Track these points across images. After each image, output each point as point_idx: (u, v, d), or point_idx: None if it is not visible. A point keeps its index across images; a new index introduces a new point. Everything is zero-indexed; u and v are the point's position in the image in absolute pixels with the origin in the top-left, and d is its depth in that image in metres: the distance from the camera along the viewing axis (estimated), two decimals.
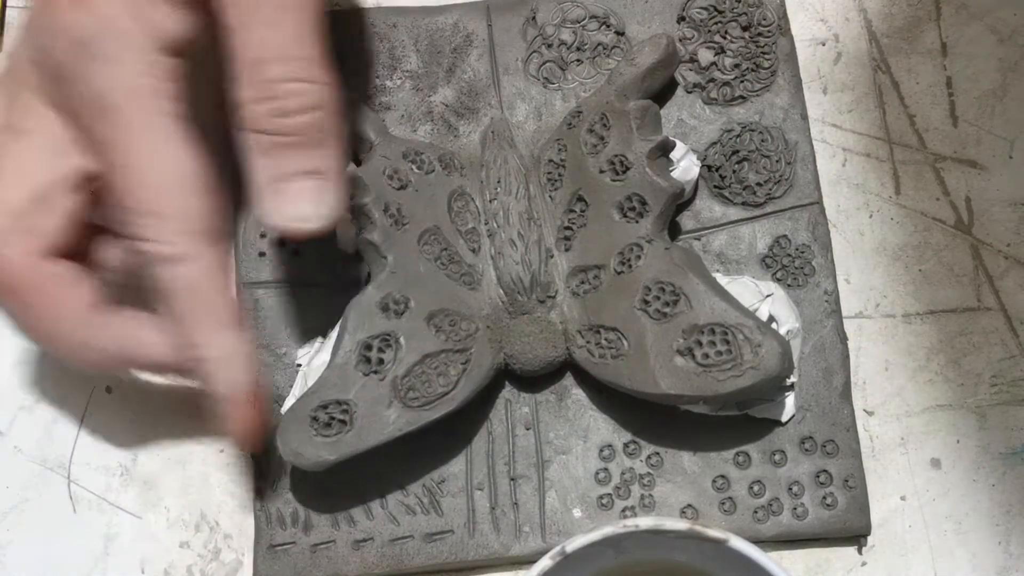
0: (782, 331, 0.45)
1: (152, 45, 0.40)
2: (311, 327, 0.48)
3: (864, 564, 0.46)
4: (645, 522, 0.37)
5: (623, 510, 0.46)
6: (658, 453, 0.46)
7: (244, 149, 0.40)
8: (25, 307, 0.41)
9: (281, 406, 0.46)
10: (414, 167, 0.47)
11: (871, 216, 0.49)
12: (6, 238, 0.40)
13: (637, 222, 0.45)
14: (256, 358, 0.43)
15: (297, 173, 0.40)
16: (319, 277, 0.48)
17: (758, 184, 0.48)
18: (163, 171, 0.40)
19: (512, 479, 0.46)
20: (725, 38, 0.50)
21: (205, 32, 0.40)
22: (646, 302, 0.44)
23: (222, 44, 0.39)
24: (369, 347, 0.44)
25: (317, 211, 0.40)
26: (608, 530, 0.37)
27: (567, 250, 0.46)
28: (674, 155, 0.47)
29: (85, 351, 0.42)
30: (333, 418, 0.43)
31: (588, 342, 0.45)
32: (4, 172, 0.41)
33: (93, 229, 0.43)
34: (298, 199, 0.40)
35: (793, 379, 0.45)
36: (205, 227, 0.40)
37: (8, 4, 0.53)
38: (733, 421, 0.46)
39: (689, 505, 0.46)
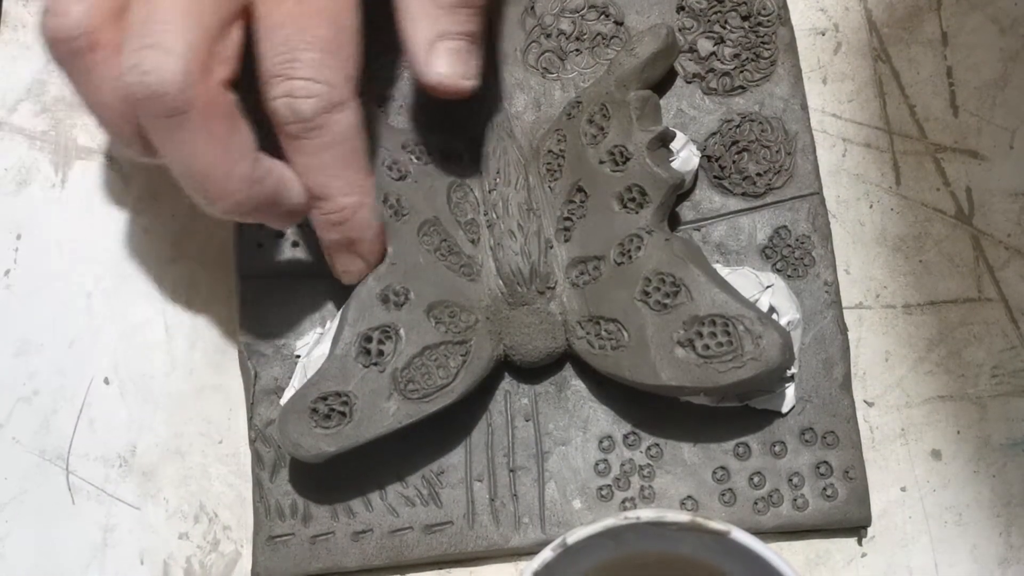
0: (782, 322, 0.45)
1: None
2: (310, 318, 0.48)
3: (864, 555, 0.46)
4: (647, 514, 0.37)
5: (623, 501, 0.46)
6: (658, 444, 0.46)
7: (406, 7, 0.42)
8: (214, 138, 0.40)
9: (280, 397, 0.46)
10: (413, 157, 0.46)
11: (871, 206, 0.49)
12: (207, 66, 0.39)
13: (637, 213, 0.45)
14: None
15: (459, 33, 0.43)
16: (318, 269, 0.47)
17: (758, 174, 0.48)
18: (340, 13, 0.41)
19: (511, 470, 0.46)
20: (725, 28, 0.50)
21: None
22: (646, 293, 0.44)
23: None
24: (369, 339, 0.44)
25: (473, 71, 0.43)
26: (609, 522, 0.37)
27: (567, 241, 0.46)
28: (674, 145, 0.47)
29: (249, 188, 0.41)
30: (333, 410, 0.43)
31: (588, 333, 0.45)
32: (186, 11, 0.39)
33: None
34: (458, 58, 0.43)
35: (793, 370, 0.45)
36: (359, 75, 0.42)
37: None
38: (733, 412, 0.46)
39: (689, 496, 0.46)
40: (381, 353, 0.43)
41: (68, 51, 0.40)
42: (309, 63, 0.40)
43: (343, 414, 0.43)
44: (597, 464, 0.46)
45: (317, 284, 0.48)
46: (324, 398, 0.43)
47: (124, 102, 0.39)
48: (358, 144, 0.42)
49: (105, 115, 0.41)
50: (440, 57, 0.43)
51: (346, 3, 0.41)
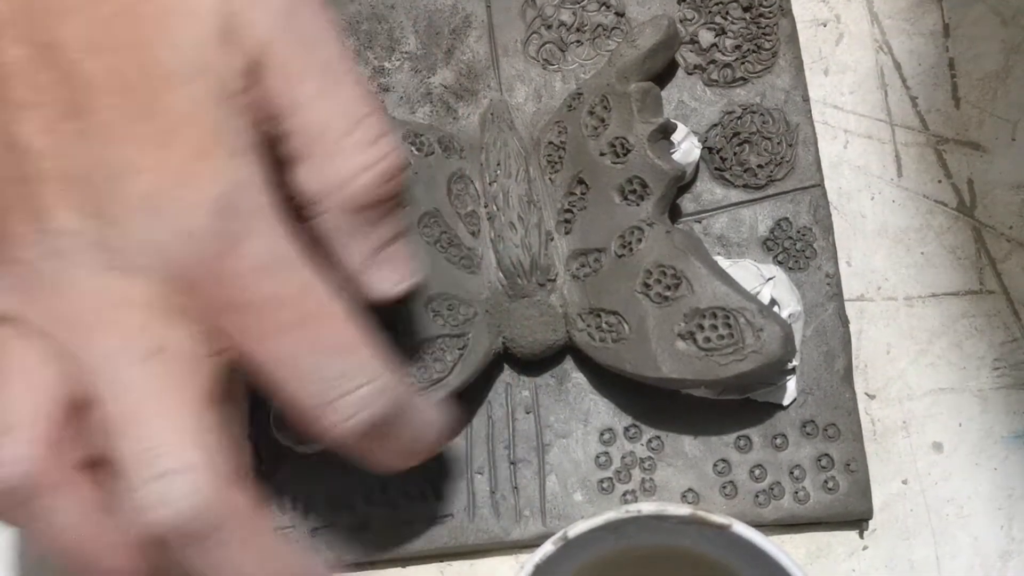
0: (784, 314, 0.45)
1: None
2: None
3: (865, 548, 0.46)
4: (648, 507, 0.37)
5: (624, 494, 0.46)
6: (659, 437, 0.46)
7: (336, 235, 0.37)
8: (258, 535, 0.34)
9: None
10: (413, 149, 0.46)
11: (873, 198, 0.49)
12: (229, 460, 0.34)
13: (638, 205, 0.45)
14: None
15: (391, 238, 0.38)
16: None
17: (759, 166, 0.48)
18: (332, 312, 0.35)
19: (512, 463, 0.46)
20: (726, 19, 0.49)
21: None
22: (647, 286, 0.44)
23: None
24: None
25: (412, 269, 0.39)
26: (611, 515, 0.37)
27: (567, 233, 0.46)
28: (675, 137, 0.46)
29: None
30: None
31: (588, 326, 0.45)
32: (184, 410, 0.33)
33: None
34: (398, 263, 0.38)
35: (795, 363, 0.45)
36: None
37: None
38: (734, 405, 0.45)
39: (690, 489, 0.45)
40: None
41: (10, 502, 0.32)
42: (358, 368, 0.34)
43: None
44: (598, 457, 0.46)
45: None
46: None
47: (133, 544, 0.33)
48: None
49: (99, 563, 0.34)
50: (373, 277, 0.38)
51: (340, 308, 0.35)
